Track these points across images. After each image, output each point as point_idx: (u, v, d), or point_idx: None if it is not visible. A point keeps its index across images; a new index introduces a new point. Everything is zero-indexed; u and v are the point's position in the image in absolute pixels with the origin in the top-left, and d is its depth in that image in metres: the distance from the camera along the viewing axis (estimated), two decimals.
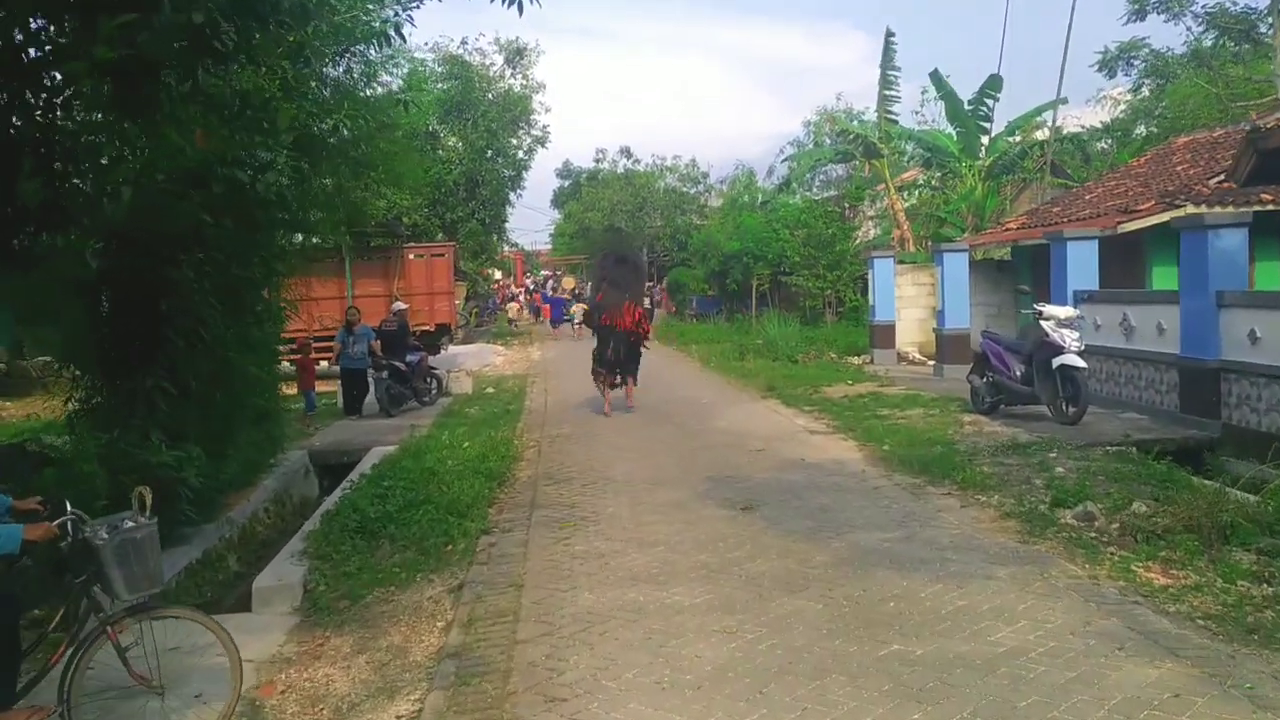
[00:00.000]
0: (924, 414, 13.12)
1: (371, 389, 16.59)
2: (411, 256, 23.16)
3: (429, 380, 17.69)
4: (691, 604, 6.07)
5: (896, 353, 21.74)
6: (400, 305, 17.53)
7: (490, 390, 19.42)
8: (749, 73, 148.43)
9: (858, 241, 31.42)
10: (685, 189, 53.23)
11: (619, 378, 16.27)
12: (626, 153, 55.67)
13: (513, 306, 51.25)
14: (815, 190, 34.39)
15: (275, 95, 7.93)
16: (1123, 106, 34.64)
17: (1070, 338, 11.46)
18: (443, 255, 23.45)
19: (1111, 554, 6.83)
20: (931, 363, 21.54)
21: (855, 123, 24.53)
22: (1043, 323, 11.74)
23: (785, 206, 33.02)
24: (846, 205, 34.85)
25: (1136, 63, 34.66)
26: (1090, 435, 10.82)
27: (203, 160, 8.45)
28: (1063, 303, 13.01)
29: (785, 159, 33.73)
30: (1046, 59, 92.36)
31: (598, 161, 57.27)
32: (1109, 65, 34.55)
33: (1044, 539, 7.23)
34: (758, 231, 33.58)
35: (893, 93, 24.15)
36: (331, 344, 17.07)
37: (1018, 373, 12.14)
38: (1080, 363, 11.31)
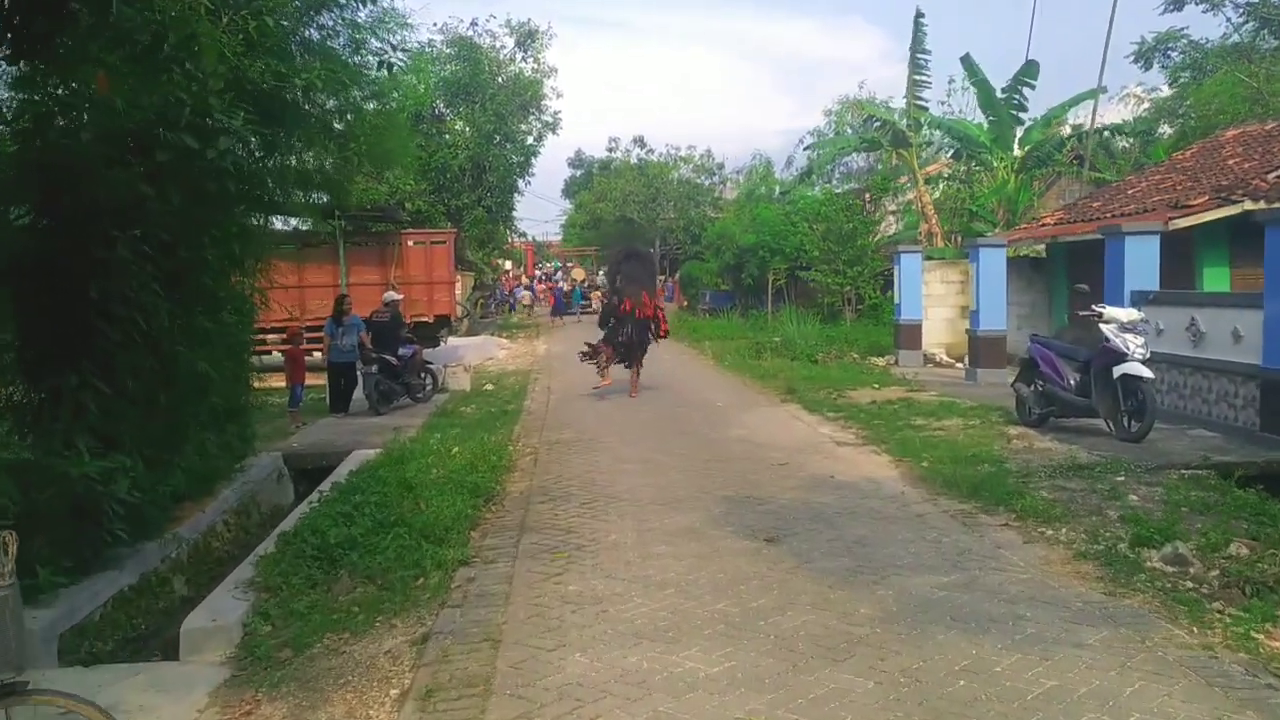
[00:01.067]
0: (963, 425, 11.86)
1: (360, 385, 15.43)
2: (410, 243, 21.94)
3: (423, 376, 16.50)
4: (708, 675, 4.85)
5: (923, 354, 20.45)
6: (392, 295, 16.33)
7: (489, 387, 18.23)
8: (762, 67, 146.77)
9: (878, 236, 30.14)
10: (699, 180, 51.93)
11: (625, 362, 16.23)
12: (640, 142, 54.36)
13: (525, 295, 49.99)
14: (835, 183, 33.03)
15: (199, 30, 6.66)
16: (1146, 104, 33.24)
17: (1134, 344, 10.17)
18: (443, 242, 22.22)
19: (1220, 613, 5.58)
20: (960, 365, 20.27)
21: (883, 109, 23.14)
22: (1103, 326, 10.45)
23: (804, 199, 31.72)
24: (868, 198, 33.52)
25: (1173, 54, 33.30)
26: (1159, 455, 9.54)
27: (144, 122, 7.27)
28: (1117, 304, 11.71)
29: (807, 147, 32.40)
30: (1074, 48, 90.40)
31: (610, 151, 56.00)
32: (1145, 57, 33.15)
33: (1132, 590, 5.97)
34: (775, 224, 32.29)
35: (923, 78, 22.82)
36: (324, 334, 15.88)
37: (1072, 382, 10.86)
38: (1146, 372, 10.02)
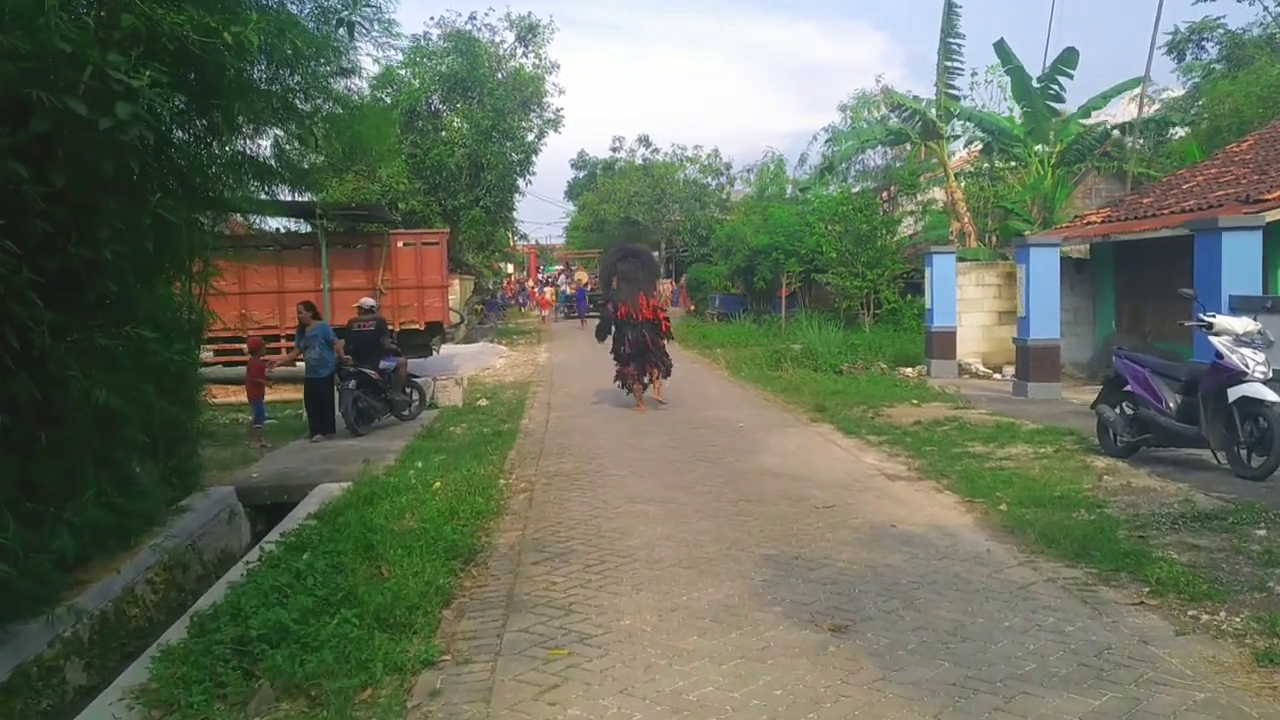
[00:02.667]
0: (1033, 453, 10.11)
1: (337, 403, 13.72)
2: (400, 244, 20.18)
3: (408, 391, 14.78)
4: None
5: (958, 364, 18.71)
6: (369, 301, 14.58)
7: (483, 402, 16.50)
8: (764, 71, 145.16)
9: (897, 236, 28.39)
10: (705, 181, 50.27)
11: (646, 376, 14.81)
12: (645, 141, 52.78)
13: (548, 292, 48.32)
14: (851, 181, 31.25)
15: None
16: (1157, 105, 31.48)
17: (1254, 360, 8.42)
18: (435, 243, 20.44)
19: None
20: (998, 376, 18.53)
21: (911, 99, 21.35)
22: (1213, 339, 8.70)
23: (820, 198, 29.99)
24: (885, 196, 31.78)
25: (1208, 45, 31.58)
26: None
27: (12, 79, 5.56)
28: (1215, 310, 9.96)
29: (828, 140, 30.53)
30: (1101, 37, 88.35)
31: (615, 150, 54.39)
32: (1178, 48, 31.45)
33: None
34: (789, 224, 30.57)
35: (955, 64, 21.00)
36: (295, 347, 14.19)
37: (1172, 405, 9.10)
38: (1270, 395, 8.25)
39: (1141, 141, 23.90)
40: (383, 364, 14.05)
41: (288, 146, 10.24)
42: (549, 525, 7.94)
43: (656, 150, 52.35)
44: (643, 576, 6.45)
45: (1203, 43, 31.62)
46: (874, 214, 26.89)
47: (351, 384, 13.43)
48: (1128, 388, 9.55)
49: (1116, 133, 22.24)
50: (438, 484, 9.52)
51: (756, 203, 37.59)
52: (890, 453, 10.65)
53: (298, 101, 9.49)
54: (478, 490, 9.03)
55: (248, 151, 9.85)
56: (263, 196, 10.73)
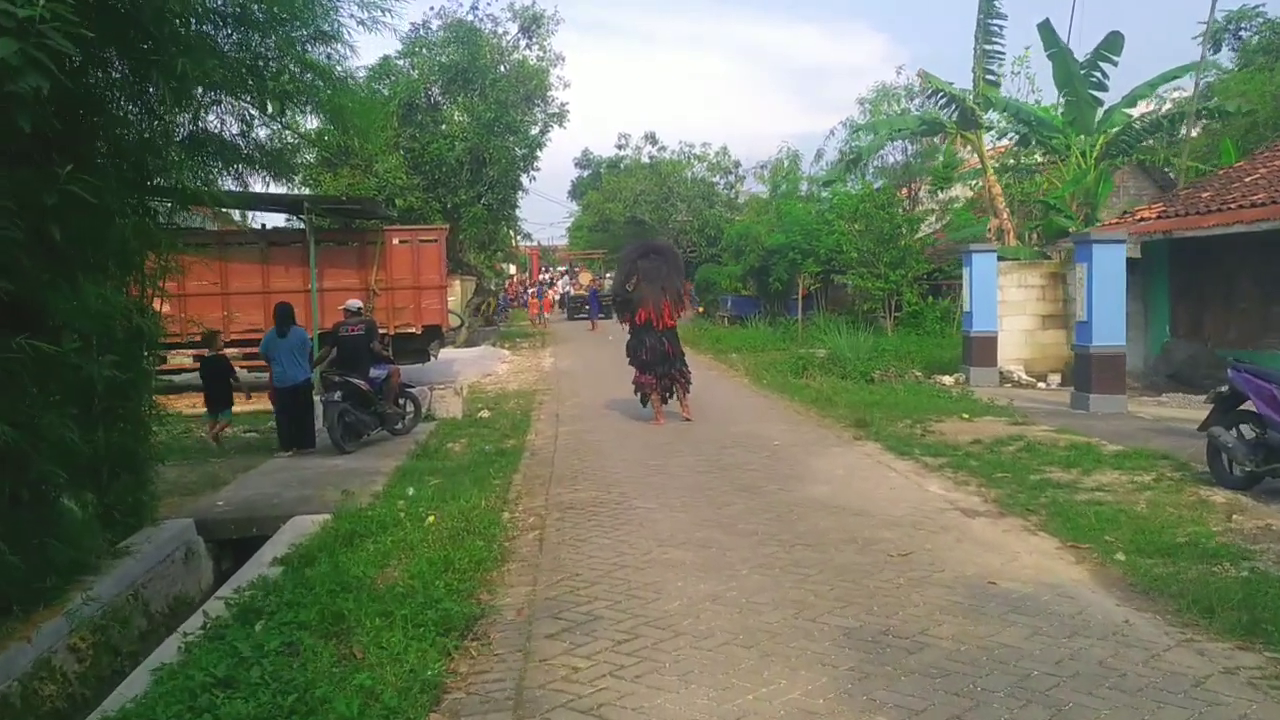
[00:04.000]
0: (1129, 482, 8.64)
1: (320, 417, 12.28)
2: (395, 241, 18.71)
3: (402, 402, 13.33)
4: None
5: (999, 371, 17.25)
6: (355, 303, 13.11)
7: (485, 413, 15.04)
8: (766, 72, 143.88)
9: (920, 235, 26.94)
10: (714, 179, 48.77)
11: (669, 388, 13.39)
12: (651, 139, 51.20)
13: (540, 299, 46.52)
14: (870, 177, 29.75)
15: None
16: (1168, 104, 30.02)
17: None
18: (433, 240, 18.94)
19: None
20: (1043, 385, 17.09)
21: (948, 85, 19.81)
22: None
23: (838, 194, 28.52)
24: (905, 193, 30.32)
25: (1246, 35, 30.11)
26: None
27: None
28: None
29: (857, 129, 28.97)
30: (1134, 23, 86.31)
31: (620, 148, 52.79)
32: (1215, 37, 29.91)
33: None
34: (806, 223, 29.12)
35: (995, 48, 19.50)
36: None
37: None
38: None
39: (1196, 132, 22.44)
40: (373, 372, 12.61)
41: (258, 123, 8.81)
42: (565, 578, 6.47)
43: (663, 148, 50.85)
44: (691, 659, 4.98)
45: (1240, 32, 30.18)
46: (896, 211, 25.45)
47: (337, 395, 11.98)
48: (1246, 406, 8.08)
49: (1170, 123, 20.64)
50: (431, 518, 8.07)
51: (770, 200, 36.12)
52: (956, 479, 9.18)
53: (268, 70, 8.07)
54: (478, 528, 7.58)
55: (212, 129, 8.48)
56: (231, 185, 9.29)
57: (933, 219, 30.05)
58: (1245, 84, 24.60)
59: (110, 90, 6.99)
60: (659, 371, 13.22)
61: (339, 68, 9.04)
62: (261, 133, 8.88)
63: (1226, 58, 30.03)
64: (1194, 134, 19.83)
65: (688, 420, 13.25)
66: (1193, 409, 13.67)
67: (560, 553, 7.09)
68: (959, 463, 9.84)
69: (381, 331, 18.54)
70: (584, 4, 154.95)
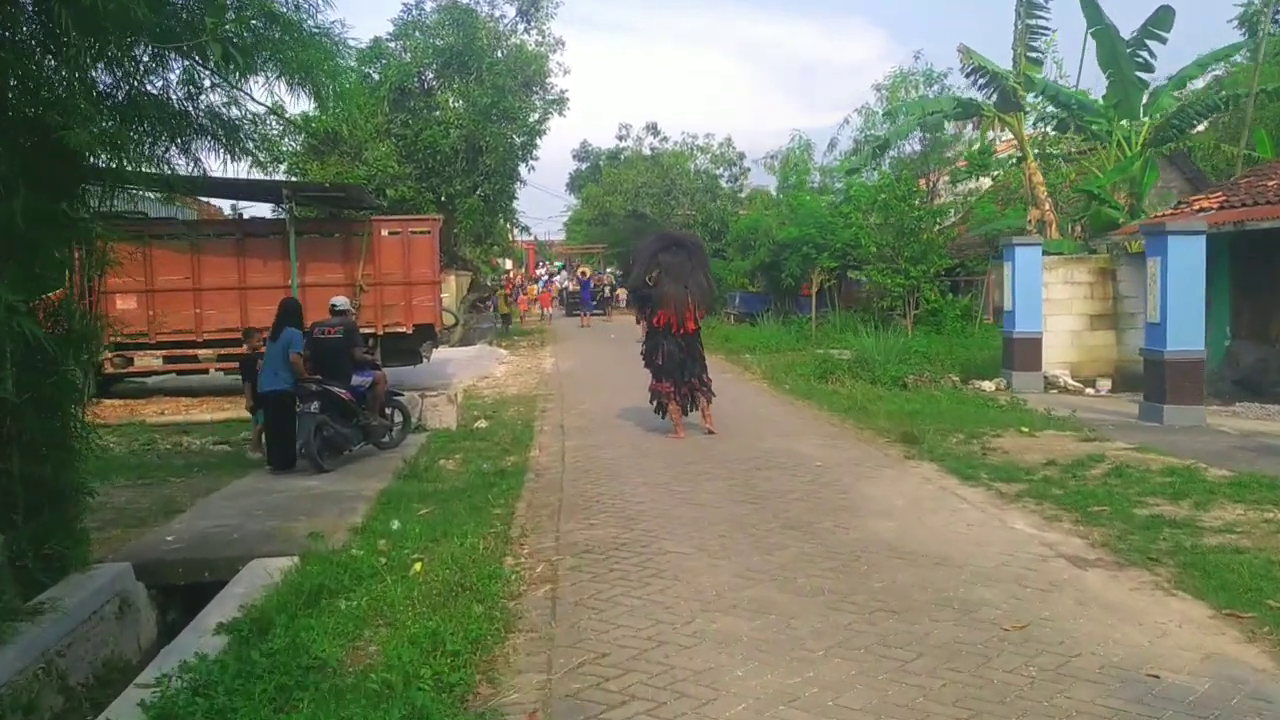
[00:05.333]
0: (1260, 520, 7.18)
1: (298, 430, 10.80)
2: (385, 233, 17.21)
3: (388, 412, 11.84)
4: None
5: (1044, 376, 15.81)
6: (341, 301, 11.59)
7: (481, 423, 13.57)
8: (764, 68, 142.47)
9: (937, 228, 25.46)
10: (718, 171, 47.24)
11: (689, 397, 11.85)
12: (653, 129, 49.54)
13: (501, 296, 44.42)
14: (887, 168, 28.28)
15: None
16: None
17: None
18: (426, 232, 17.42)
19: None
20: (1092, 391, 15.66)
21: (991, 61, 18.20)
22: None
23: (853, 184, 27.06)
24: (924, 184, 28.81)
25: None
26: None
27: None
28: None
29: (888, 112, 27.42)
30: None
31: (621, 139, 51.12)
32: (1250, 21, 28.45)
33: None
34: (820, 215, 27.65)
35: (1039, 22, 17.96)
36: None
37: None
38: None
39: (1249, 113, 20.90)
40: (355, 379, 11.13)
41: (211, 86, 7.32)
42: (588, 661, 5.00)
43: (665, 139, 49.21)
44: None
45: (1276, 15, 28.69)
46: (917, 203, 23.97)
47: (314, 406, 10.48)
48: None
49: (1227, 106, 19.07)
50: (418, 565, 6.62)
51: (779, 192, 34.64)
52: (1043, 513, 7.71)
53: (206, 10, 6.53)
54: (474, 582, 6.10)
55: (152, 90, 7.00)
56: (182, 162, 7.78)
57: (951, 212, 28.60)
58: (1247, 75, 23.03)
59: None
60: (678, 379, 11.74)
61: (310, 21, 7.59)
62: (215, 98, 7.41)
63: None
64: (1250, 112, 18.26)
65: (711, 433, 11.80)
66: (1275, 421, 12.24)
67: (579, 619, 5.61)
68: (1039, 491, 8.38)
69: (369, 331, 17.08)
70: (583, 1, 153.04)
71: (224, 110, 7.42)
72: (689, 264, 11.70)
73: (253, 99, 7.99)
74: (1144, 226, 13.83)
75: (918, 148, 30.03)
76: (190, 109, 7.29)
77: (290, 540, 7.78)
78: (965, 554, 6.65)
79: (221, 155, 7.57)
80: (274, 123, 10.04)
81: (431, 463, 10.74)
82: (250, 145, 7.96)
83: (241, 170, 9.51)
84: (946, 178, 30.13)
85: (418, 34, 28.31)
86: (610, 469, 10.10)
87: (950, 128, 28.86)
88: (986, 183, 28.70)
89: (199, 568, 7.59)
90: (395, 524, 7.93)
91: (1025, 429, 11.46)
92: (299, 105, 8.83)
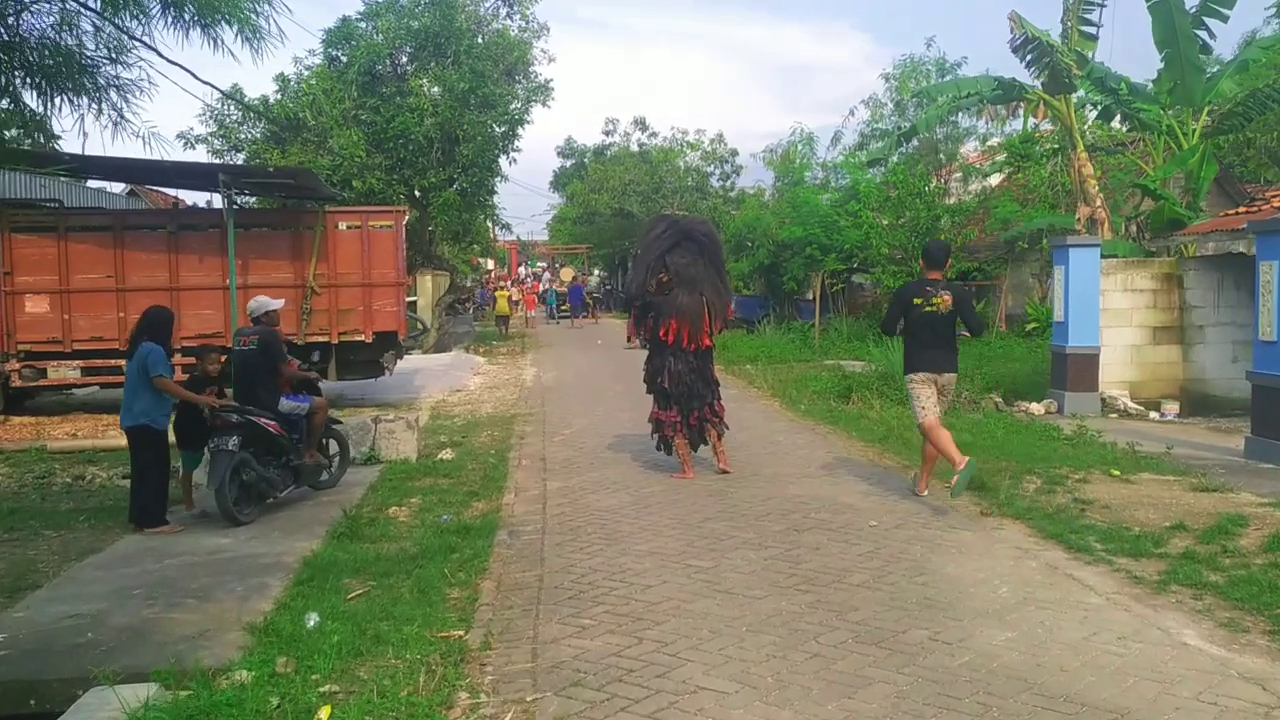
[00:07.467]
0: None
1: (206, 469, 8.53)
2: (341, 226, 14.94)
3: (325, 444, 9.57)
4: None
5: (1100, 398, 13.68)
6: (257, 304, 9.18)
7: (447, 454, 11.30)
8: (749, 71, 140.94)
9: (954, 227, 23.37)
10: (707, 168, 45.20)
11: (700, 429, 9.61)
12: (641, 125, 47.36)
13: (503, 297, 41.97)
14: (897, 161, 26.18)
15: None
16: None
17: None
18: (389, 225, 15.10)
19: None
20: (1157, 416, 13.53)
21: (1044, 33, 15.95)
22: None
23: (859, 181, 24.95)
24: (940, 178, 26.75)
25: None
26: None
27: None
28: None
29: (916, 94, 25.30)
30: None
31: (608, 134, 48.93)
32: None
33: None
34: (825, 214, 25.53)
35: None
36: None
37: None
38: None
39: None
40: (284, 404, 8.85)
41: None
42: None
43: (654, 134, 47.05)
44: None
45: None
46: (936, 201, 21.89)
47: (231, 442, 8.18)
48: None
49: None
50: (325, 712, 4.39)
51: (777, 189, 32.51)
52: (1212, 615, 5.52)
53: None
54: None
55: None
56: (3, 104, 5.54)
57: (968, 211, 26.51)
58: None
59: None
60: (686, 407, 9.51)
61: None
62: (43, 20, 5.18)
63: None
64: None
65: (725, 473, 9.61)
66: None
67: None
68: (1188, 575, 6.19)
69: (322, 339, 14.82)
70: (568, 1, 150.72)
71: (53, 34, 5.19)
72: (704, 265, 9.44)
73: (144, 43, 5.78)
74: (1253, 224, 11.63)
75: (919, 143, 27.96)
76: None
77: (162, 645, 5.54)
78: (1142, 699, 4.45)
79: (54, 96, 5.34)
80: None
81: (378, 512, 8.49)
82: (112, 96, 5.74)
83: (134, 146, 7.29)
84: (958, 175, 28.10)
85: (390, 15, 26.01)
86: (605, 527, 7.86)
87: (964, 120, 26.85)
88: (994, 181, 26.75)
89: (23, 693, 5.30)
90: (313, 619, 5.71)
91: (1115, 471, 9.30)
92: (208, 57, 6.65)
